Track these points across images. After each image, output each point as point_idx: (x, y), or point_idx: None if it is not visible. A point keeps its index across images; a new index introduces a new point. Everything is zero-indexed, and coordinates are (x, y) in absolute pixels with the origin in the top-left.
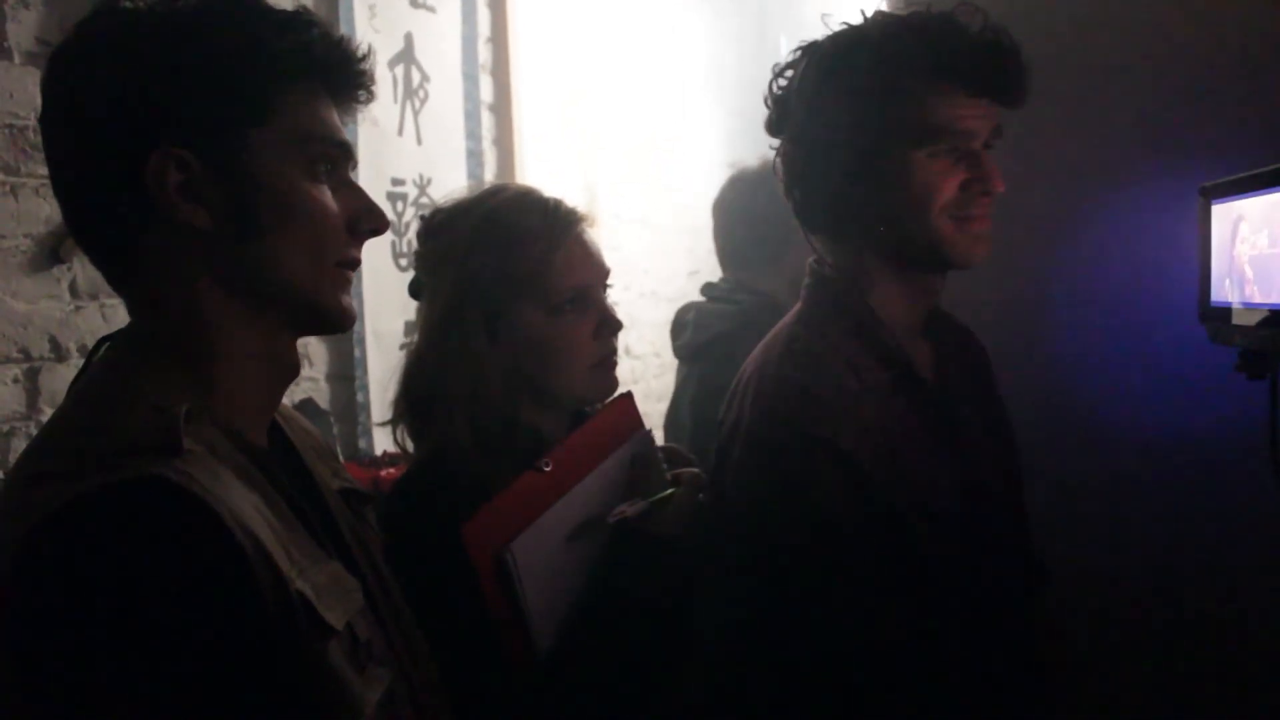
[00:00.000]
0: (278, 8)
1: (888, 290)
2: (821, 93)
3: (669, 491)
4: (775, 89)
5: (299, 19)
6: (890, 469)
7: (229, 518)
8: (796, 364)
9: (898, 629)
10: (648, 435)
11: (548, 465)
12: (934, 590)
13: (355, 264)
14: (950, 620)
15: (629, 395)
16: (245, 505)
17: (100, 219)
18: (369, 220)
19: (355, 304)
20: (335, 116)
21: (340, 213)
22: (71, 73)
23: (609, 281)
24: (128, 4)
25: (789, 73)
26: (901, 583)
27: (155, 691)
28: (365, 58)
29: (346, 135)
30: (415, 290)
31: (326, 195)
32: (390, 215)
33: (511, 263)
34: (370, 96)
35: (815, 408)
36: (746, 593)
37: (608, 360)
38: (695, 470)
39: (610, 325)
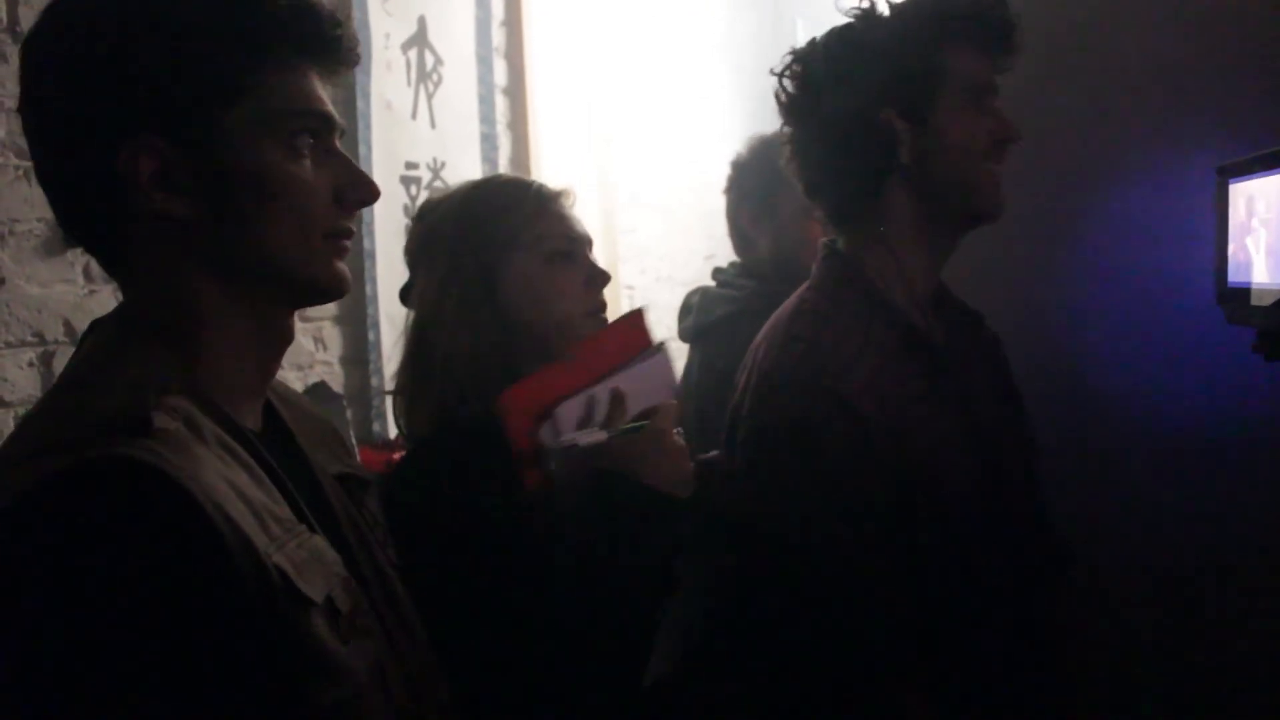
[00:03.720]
0: None
1: (911, 254)
2: (864, 61)
3: (638, 425)
4: (794, 72)
5: None
6: (896, 427)
7: (199, 493)
8: (805, 322)
9: (900, 586)
10: (663, 348)
11: (572, 355)
12: (940, 560)
13: (348, 234)
14: (956, 594)
15: (640, 311)
16: (219, 481)
17: (80, 210)
18: (356, 191)
19: (370, 288)
20: (316, 85)
21: (326, 185)
22: (39, 64)
23: (593, 255)
24: None
25: (804, 59)
26: (906, 542)
27: (129, 669)
28: (342, 21)
29: (328, 105)
30: (405, 294)
31: (307, 171)
32: (404, 199)
33: (501, 221)
34: (355, 59)
35: (820, 359)
36: (753, 541)
37: (600, 312)
38: (673, 403)
39: (600, 277)
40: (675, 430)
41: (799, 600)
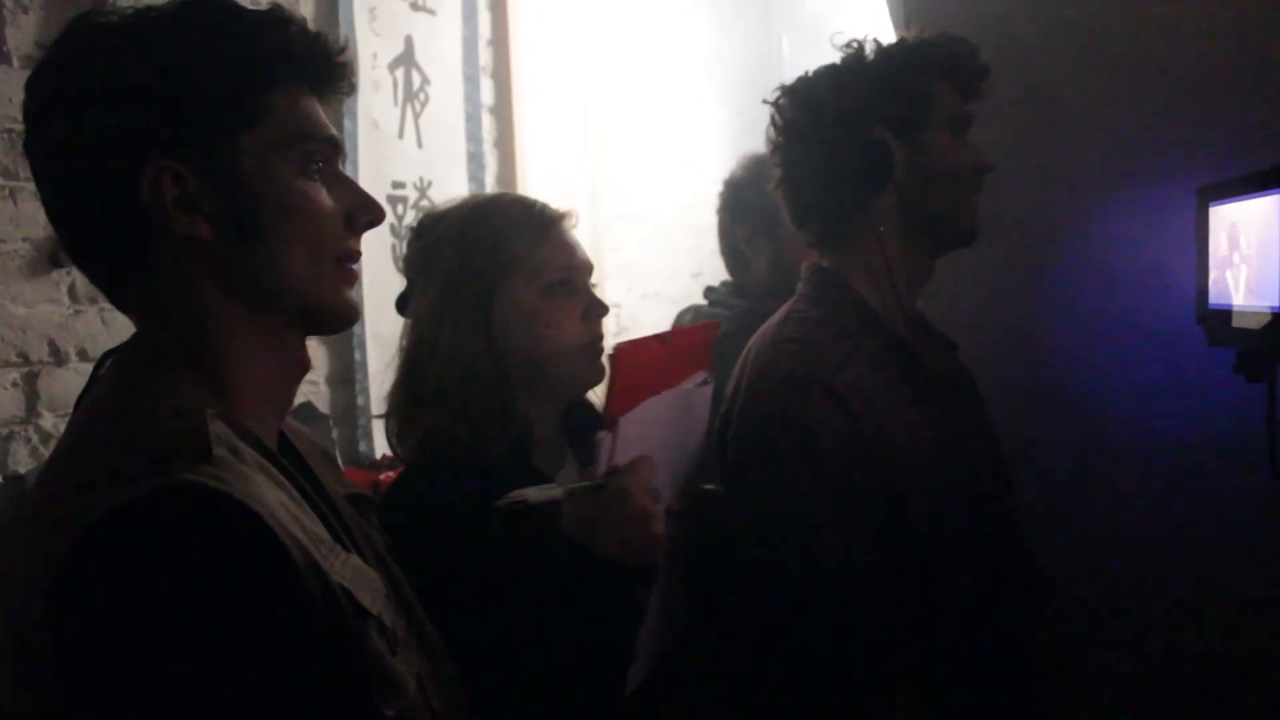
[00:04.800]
0: (251, 8)
1: (895, 274)
2: (857, 86)
3: (598, 483)
4: (788, 97)
5: (274, 17)
6: (881, 429)
7: (267, 517)
8: (796, 325)
9: (890, 582)
10: (708, 381)
11: (668, 340)
12: (923, 564)
13: (356, 257)
14: (939, 599)
15: (716, 325)
16: (276, 505)
17: (100, 239)
18: (365, 212)
19: None
20: (321, 112)
21: (336, 207)
22: (53, 97)
23: (593, 280)
24: (99, 19)
25: (797, 88)
26: (893, 539)
27: (212, 689)
28: (344, 49)
29: (334, 130)
30: (402, 303)
31: (321, 192)
32: (390, 218)
33: (501, 247)
34: (352, 88)
35: (813, 355)
36: (742, 538)
37: (596, 344)
38: (650, 459)
39: (598, 309)
40: (648, 488)
41: (788, 596)
